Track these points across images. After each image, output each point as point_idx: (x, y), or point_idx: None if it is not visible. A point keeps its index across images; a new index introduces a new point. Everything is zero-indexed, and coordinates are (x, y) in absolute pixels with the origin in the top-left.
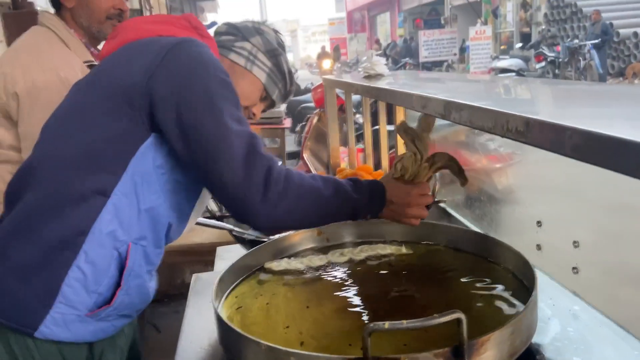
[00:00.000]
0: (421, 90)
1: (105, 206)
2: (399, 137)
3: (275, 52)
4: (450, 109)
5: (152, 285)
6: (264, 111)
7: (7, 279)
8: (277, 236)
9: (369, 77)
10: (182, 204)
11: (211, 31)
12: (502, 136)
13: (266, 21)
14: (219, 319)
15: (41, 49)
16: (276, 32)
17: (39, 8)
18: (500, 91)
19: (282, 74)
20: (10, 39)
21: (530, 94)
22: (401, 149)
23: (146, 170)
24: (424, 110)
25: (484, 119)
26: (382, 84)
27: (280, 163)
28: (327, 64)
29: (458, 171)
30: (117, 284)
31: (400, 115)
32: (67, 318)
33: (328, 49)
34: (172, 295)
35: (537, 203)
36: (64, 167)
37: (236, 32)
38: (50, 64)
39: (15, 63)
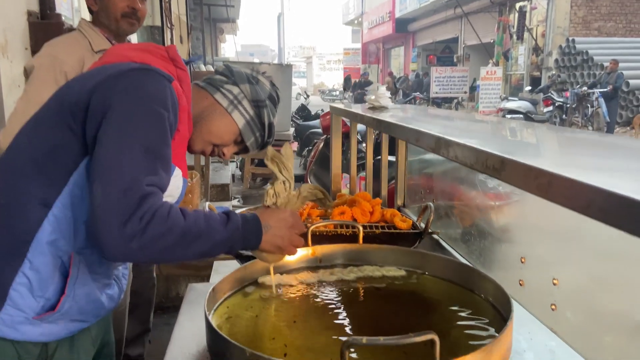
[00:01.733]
0: (419, 125)
1: (47, 217)
2: (399, 170)
3: (260, 103)
4: (440, 144)
5: (110, 293)
6: (236, 154)
7: None
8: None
9: (373, 108)
10: None
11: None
12: (482, 172)
13: (265, 73)
14: (209, 326)
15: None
16: (273, 85)
17: (63, 18)
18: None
19: (261, 125)
20: (35, 47)
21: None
22: (401, 179)
23: (85, 185)
24: (418, 144)
25: (467, 155)
26: (384, 116)
27: (165, 206)
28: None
29: (323, 198)
30: (62, 291)
31: (402, 148)
32: (15, 320)
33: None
34: (165, 307)
35: (524, 241)
36: (12, 174)
37: (229, 75)
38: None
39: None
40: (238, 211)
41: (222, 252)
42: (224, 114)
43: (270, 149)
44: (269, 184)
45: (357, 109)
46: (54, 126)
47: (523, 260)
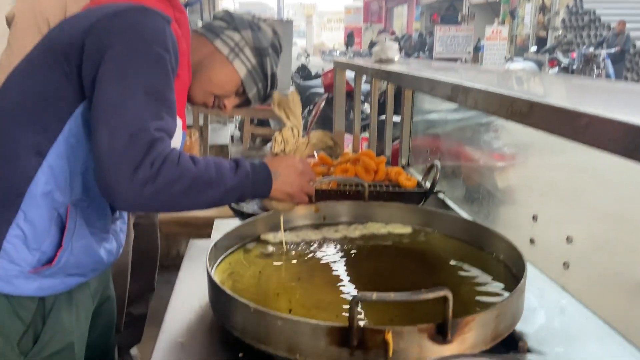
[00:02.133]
0: (432, 74)
1: (41, 167)
2: (404, 128)
3: (263, 51)
4: (457, 92)
5: (109, 247)
6: (238, 107)
7: None
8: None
9: (380, 61)
10: None
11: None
12: (507, 119)
13: (267, 21)
14: (211, 281)
15: None
16: (275, 33)
17: None
18: (512, 80)
19: (264, 75)
20: None
21: (542, 84)
22: (406, 139)
23: (82, 132)
24: (432, 93)
25: (490, 101)
26: (393, 67)
27: (175, 151)
28: None
29: (333, 146)
30: (59, 244)
31: (408, 106)
32: (10, 273)
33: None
34: (166, 265)
35: (534, 200)
36: (1, 122)
37: (230, 20)
38: None
39: None
40: None
41: (233, 201)
42: (224, 62)
43: (276, 94)
44: (276, 131)
45: (363, 62)
46: (45, 71)
47: (535, 218)
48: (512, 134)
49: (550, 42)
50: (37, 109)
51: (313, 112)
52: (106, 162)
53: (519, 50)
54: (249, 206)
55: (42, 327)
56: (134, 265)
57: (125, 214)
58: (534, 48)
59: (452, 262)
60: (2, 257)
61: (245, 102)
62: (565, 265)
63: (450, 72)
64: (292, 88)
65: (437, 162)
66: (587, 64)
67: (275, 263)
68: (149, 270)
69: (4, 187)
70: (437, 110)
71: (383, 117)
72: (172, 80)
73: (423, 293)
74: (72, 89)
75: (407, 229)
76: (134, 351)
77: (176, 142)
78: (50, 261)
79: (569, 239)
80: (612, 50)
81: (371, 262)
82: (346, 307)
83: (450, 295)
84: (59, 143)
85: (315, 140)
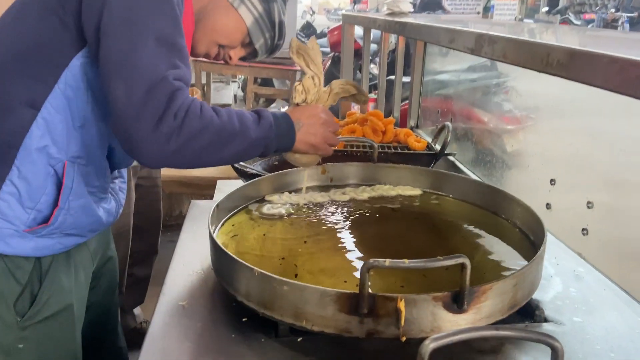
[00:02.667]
0: (449, 25)
1: (36, 120)
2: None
3: None
4: (482, 43)
5: (107, 207)
6: (243, 59)
7: None
8: (280, 171)
9: (392, 14)
10: None
11: None
12: (541, 71)
13: None
14: (214, 244)
15: None
16: None
17: None
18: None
19: (271, 24)
20: None
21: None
22: (415, 99)
23: (79, 85)
24: (452, 45)
25: (520, 52)
26: (407, 19)
27: (195, 99)
28: None
29: (357, 93)
30: (56, 203)
31: (419, 64)
32: (4, 232)
33: None
34: (169, 225)
35: (552, 164)
36: (1, 76)
37: None
38: None
39: None
40: None
41: (257, 154)
42: (229, 9)
43: (294, 41)
44: (295, 83)
45: (374, 14)
46: (39, 18)
47: (553, 182)
48: (524, 95)
49: (562, 3)
50: (30, 58)
51: None
52: (126, 117)
53: (530, 12)
54: (253, 166)
55: (39, 288)
56: (136, 227)
57: (124, 173)
58: (545, 9)
59: (465, 228)
60: None
61: (251, 54)
62: (584, 231)
63: (466, 25)
64: None
65: (449, 124)
66: (605, 27)
67: (281, 226)
68: (152, 231)
69: None
70: (447, 70)
71: (392, 77)
72: (181, 24)
73: (440, 260)
74: (68, 36)
75: (417, 191)
76: (137, 311)
77: None
78: (46, 220)
79: (589, 204)
80: (632, 14)
81: (380, 225)
82: (355, 273)
83: (468, 263)
84: (54, 95)
85: (338, 89)
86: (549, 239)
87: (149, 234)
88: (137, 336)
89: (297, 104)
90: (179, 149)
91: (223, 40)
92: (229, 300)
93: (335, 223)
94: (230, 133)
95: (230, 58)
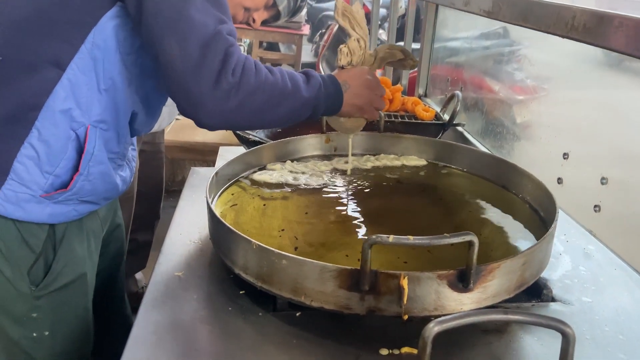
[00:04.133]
0: None
1: (60, 81)
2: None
3: None
4: (500, 5)
5: (123, 175)
6: (266, 22)
7: None
8: (282, 139)
9: None
10: (149, 94)
11: None
12: (564, 36)
13: None
14: (211, 213)
15: None
16: None
17: None
18: None
19: None
20: None
21: None
22: (424, 67)
23: (108, 46)
24: (467, 8)
25: (542, 14)
26: None
27: (243, 52)
28: None
29: (404, 58)
30: (75, 168)
31: (429, 30)
32: (20, 197)
33: None
34: (171, 190)
35: (564, 137)
36: (15, 31)
37: None
38: None
39: None
40: None
41: (307, 114)
42: None
43: (340, 2)
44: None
45: None
46: None
47: (566, 156)
48: (537, 65)
49: None
50: (55, 16)
51: (325, 37)
52: (184, 75)
53: None
54: (256, 133)
55: (53, 257)
56: (139, 192)
57: (135, 140)
58: None
59: (472, 202)
60: (12, 178)
61: (274, 17)
62: (597, 208)
63: None
64: (304, 11)
65: (458, 92)
66: None
67: (281, 196)
68: (155, 197)
69: (17, 101)
70: (458, 37)
71: (401, 43)
72: None
73: (446, 237)
74: None
75: (422, 162)
76: (138, 276)
77: None
78: (65, 186)
79: (603, 180)
80: None
81: (383, 197)
82: (357, 246)
83: (476, 241)
84: (80, 56)
85: (383, 53)
86: (560, 214)
87: (151, 199)
88: (138, 301)
89: (342, 67)
90: (238, 107)
91: (248, 3)
92: (227, 272)
93: (337, 194)
94: (283, 91)
95: (253, 21)
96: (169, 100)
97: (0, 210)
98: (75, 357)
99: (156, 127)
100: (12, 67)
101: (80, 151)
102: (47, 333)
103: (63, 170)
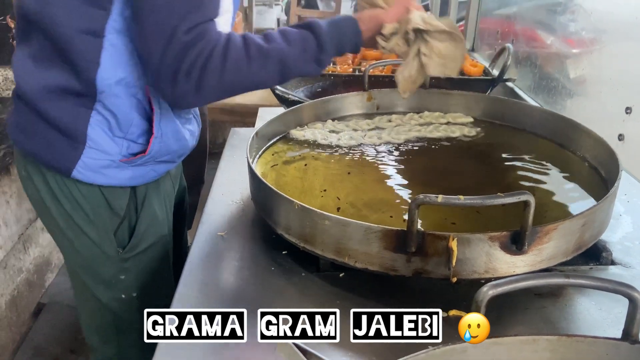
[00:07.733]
0: None
1: (104, 48)
2: (471, 6)
3: None
4: None
5: (191, 128)
6: None
7: (38, 123)
8: (322, 98)
9: None
10: None
11: None
12: None
13: None
14: (252, 174)
15: None
16: None
17: None
18: None
19: None
20: None
21: None
22: (472, 19)
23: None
24: None
25: None
26: None
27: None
28: None
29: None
30: (149, 132)
31: None
32: (100, 163)
33: None
34: (213, 153)
35: (626, 91)
36: (55, 6)
37: None
38: None
39: None
40: None
41: (312, 67)
42: None
43: None
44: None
45: None
46: None
47: (629, 111)
48: (592, 15)
49: None
50: None
51: None
52: (149, 67)
53: None
54: (295, 93)
55: (136, 220)
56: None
57: None
58: None
59: (525, 161)
60: (89, 146)
61: None
62: None
63: None
64: None
65: (510, 45)
66: None
67: (323, 156)
68: (199, 159)
69: (70, 77)
70: None
71: None
72: None
73: (500, 197)
74: None
75: (469, 119)
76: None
77: (225, 21)
78: (142, 150)
79: None
80: None
81: (428, 157)
82: (402, 206)
83: (532, 201)
84: (114, 17)
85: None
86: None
87: (196, 162)
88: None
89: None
90: (205, 98)
91: None
92: (269, 232)
93: (380, 154)
94: (279, 60)
95: None
96: None
97: (83, 178)
98: None
99: None
100: (58, 45)
101: (145, 115)
102: (134, 294)
103: (136, 135)
